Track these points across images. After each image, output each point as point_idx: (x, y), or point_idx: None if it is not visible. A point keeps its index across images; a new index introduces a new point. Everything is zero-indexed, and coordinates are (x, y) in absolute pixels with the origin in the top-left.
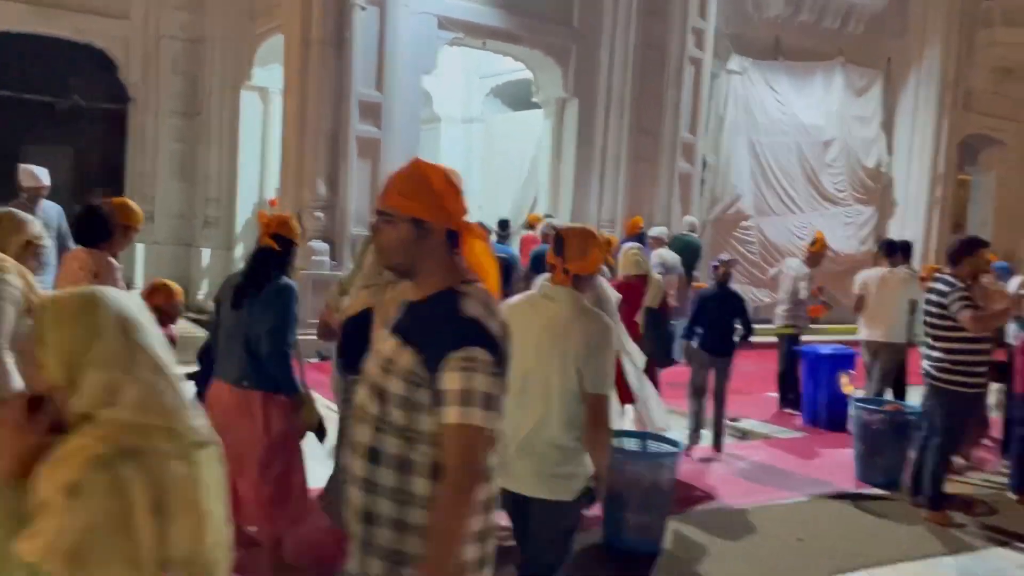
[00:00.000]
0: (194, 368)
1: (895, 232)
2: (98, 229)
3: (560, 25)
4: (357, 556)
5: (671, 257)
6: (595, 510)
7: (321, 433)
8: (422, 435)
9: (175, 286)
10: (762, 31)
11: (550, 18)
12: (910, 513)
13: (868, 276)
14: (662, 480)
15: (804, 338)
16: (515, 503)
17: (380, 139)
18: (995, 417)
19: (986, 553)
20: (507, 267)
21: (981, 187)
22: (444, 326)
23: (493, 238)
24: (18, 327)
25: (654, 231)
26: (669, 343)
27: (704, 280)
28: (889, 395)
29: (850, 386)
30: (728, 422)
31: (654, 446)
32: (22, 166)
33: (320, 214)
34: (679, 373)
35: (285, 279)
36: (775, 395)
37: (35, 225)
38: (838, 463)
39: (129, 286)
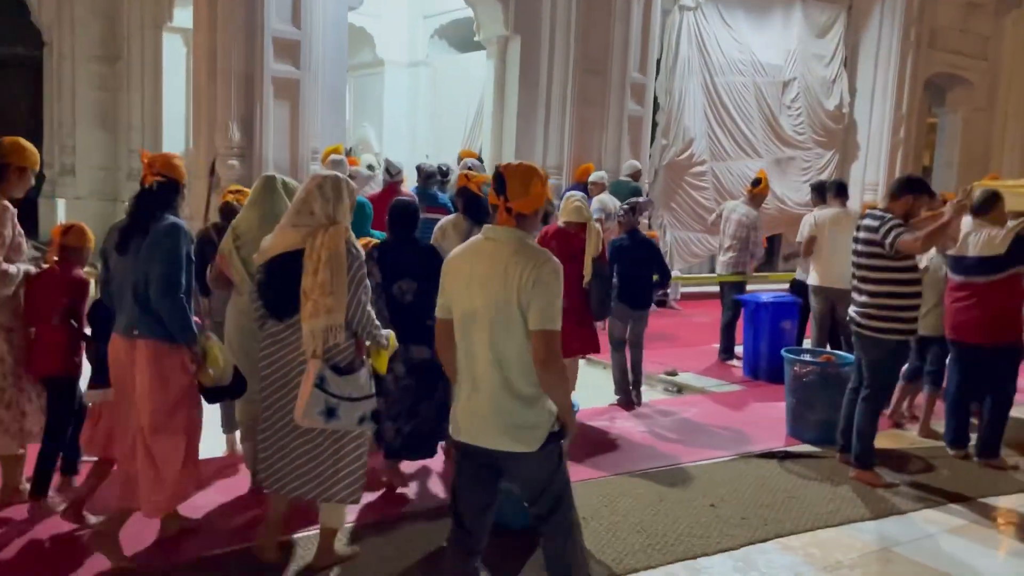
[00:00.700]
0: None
1: (856, 176)
2: None
3: None
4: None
5: (612, 203)
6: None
7: (234, 389)
8: None
9: (89, 231)
10: None
11: None
12: (838, 472)
13: (820, 217)
14: None
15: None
16: (478, 456)
17: (299, 80)
18: None
19: (914, 516)
20: (410, 212)
21: (947, 128)
22: None
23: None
24: None
25: (593, 176)
26: (607, 294)
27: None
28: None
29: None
30: (664, 376)
31: None
32: None
33: (235, 162)
34: None
35: (173, 218)
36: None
37: None
38: (772, 418)
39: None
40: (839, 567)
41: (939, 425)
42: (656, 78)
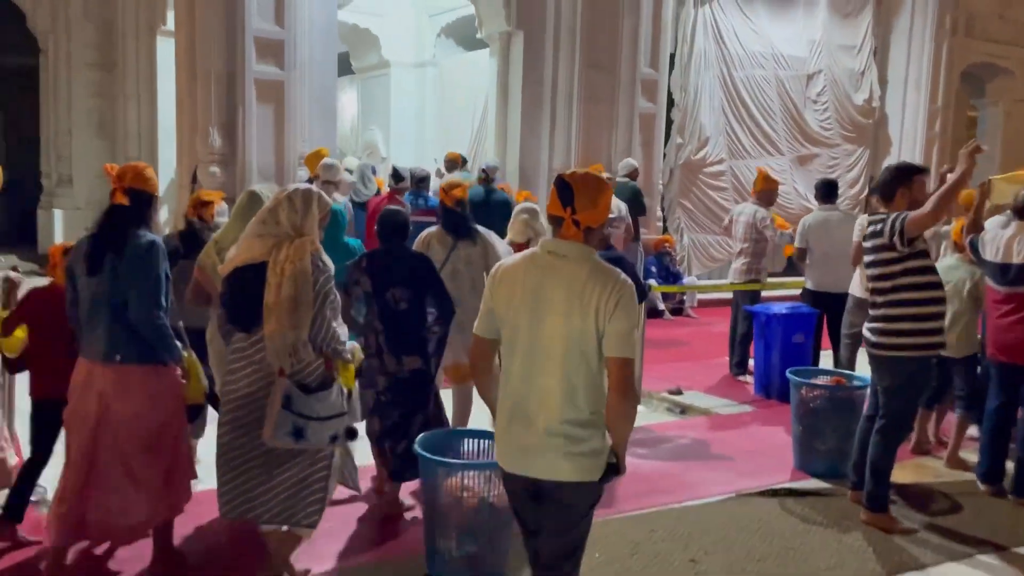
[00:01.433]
0: None
1: None
2: None
3: None
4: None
5: (621, 205)
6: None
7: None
8: None
9: None
10: None
11: None
12: (848, 514)
13: (807, 222)
14: (494, 496)
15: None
16: (529, 488)
17: (283, 80)
18: None
19: (935, 572)
20: (399, 220)
21: (988, 121)
22: None
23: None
24: None
25: None
26: None
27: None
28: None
29: None
30: (667, 394)
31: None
32: None
33: (216, 169)
34: None
35: (148, 235)
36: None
37: None
38: (779, 446)
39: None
40: None
41: (969, 453)
42: (670, 73)
